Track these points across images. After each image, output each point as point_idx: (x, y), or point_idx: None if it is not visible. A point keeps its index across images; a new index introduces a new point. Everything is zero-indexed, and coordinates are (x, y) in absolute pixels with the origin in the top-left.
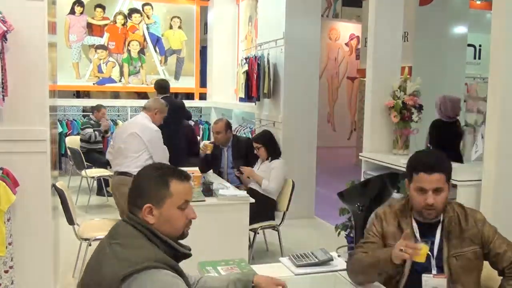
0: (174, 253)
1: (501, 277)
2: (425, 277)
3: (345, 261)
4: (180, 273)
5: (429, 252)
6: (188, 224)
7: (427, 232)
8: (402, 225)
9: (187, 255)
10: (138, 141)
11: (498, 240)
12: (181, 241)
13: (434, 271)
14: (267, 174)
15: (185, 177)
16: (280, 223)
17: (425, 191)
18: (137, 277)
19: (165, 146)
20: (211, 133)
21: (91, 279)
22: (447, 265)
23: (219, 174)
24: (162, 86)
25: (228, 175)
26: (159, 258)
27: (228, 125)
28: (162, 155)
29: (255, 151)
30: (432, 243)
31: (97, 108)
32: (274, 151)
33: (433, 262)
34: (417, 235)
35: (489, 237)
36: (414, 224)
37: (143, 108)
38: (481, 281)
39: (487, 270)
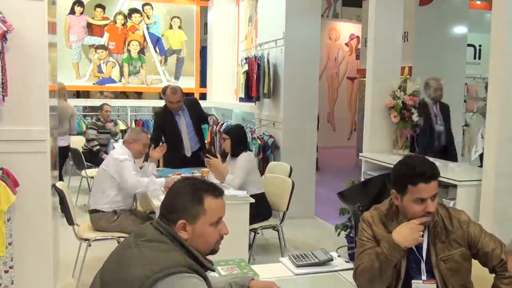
0: (200, 265)
1: (493, 275)
2: (415, 283)
3: (354, 279)
4: (205, 279)
5: (419, 256)
6: (220, 239)
7: None
8: (390, 229)
9: (210, 270)
10: (108, 175)
11: (485, 239)
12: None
13: (424, 277)
14: (233, 169)
15: (219, 193)
16: (280, 223)
17: (424, 200)
18: (166, 280)
19: (137, 178)
20: (213, 133)
21: (115, 278)
22: (437, 269)
23: (178, 142)
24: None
25: (190, 138)
26: (188, 263)
27: (182, 92)
28: (131, 186)
29: (221, 142)
30: (420, 248)
31: (100, 107)
32: (238, 148)
33: (423, 267)
34: None
35: (476, 237)
36: None
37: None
38: (473, 280)
39: (481, 269)
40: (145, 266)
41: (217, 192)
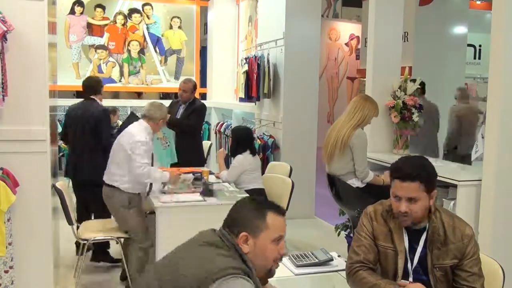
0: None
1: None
2: (402, 284)
3: (346, 275)
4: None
5: (408, 258)
6: (278, 260)
7: (413, 237)
8: (390, 225)
9: None
10: (122, 149)
11: (474, 262)
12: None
13: (410, 279)
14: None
15: (282, 212)
16: None
17: (400, 198)
18: (224, 282)
19: (148, 168)
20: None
21: (171, 274)
22: (432, 275)
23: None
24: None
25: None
26: (243, 267)
27: (195, 87)
28: (140, 174)
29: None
30: (412, 251)
31: (113, 111)
32: (235, 149)
33: (410, 269)
34: (405, 238)
35: (469, 254)
36: (404, 230)
37: (143, 115)
38: None
39: None
40: (204, 266)
41: (280, 210)
